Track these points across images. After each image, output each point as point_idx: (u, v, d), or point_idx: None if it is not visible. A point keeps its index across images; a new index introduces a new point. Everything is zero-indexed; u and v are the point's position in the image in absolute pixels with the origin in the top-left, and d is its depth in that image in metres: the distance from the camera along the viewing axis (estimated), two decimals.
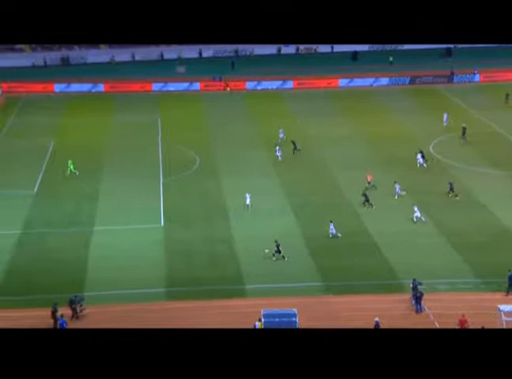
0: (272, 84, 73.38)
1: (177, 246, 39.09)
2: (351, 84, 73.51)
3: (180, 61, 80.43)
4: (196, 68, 77.70)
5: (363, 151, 54.24)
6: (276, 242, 37.51)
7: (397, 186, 44.98)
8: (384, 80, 74.09)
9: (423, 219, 41.21)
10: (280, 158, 51.95)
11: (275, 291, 34.53)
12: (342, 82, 73.59)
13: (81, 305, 32.74)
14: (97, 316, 32.34)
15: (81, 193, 46.67)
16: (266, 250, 37.62)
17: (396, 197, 44.65)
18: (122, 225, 41.76)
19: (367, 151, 54.12)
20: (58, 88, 72.28)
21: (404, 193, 44.82)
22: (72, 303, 32.52)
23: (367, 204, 43.32)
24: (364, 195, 43.64)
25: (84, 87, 72.44)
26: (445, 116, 59.64)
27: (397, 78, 74.35)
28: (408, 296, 33.49)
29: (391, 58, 79.99)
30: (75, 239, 40.19)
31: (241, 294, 34.49)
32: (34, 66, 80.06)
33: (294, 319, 30.26)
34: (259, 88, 73.09)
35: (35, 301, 33.61)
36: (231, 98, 69.27)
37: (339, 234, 39.43)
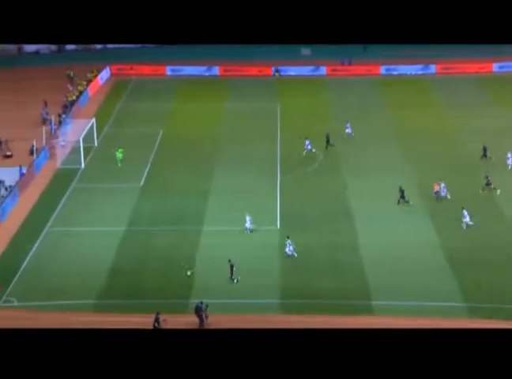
0: (410, 69, 72.23)
1: (296, 252, 39.43)
2: (508, 70, 70.99)
3: None
4: (322, 50, 77.67)
5: None
6: (229, 261, 37.01)
7: (442, 185, 44.59)
8: None
9: (468, 224, 40.71)
10: (305, 153, 51.56)
11: (406, 309, 34.17)
12: (497, 67, 71.31)
13: (206, 313, 33.11)
14: (216, 326, 32.56)
15: (191, 188, 48.13)
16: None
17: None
18: (234, 226, 42.56)
19: None
20: (169, 70, 74.96)
21: (449, 196, 44.31)
22: (199, 310, 33.01)
23: (401, 201, 43.69)
24: (401, 191, 43.87)
25: (198, 70, 74.64)
26: None
27: None
28: None
29: None
30: (183, 238, 41.56)
31: (366, 310, 34.37)
32: (145, 46, 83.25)
33: None
34: (395, 73, 72.16)
35: (139, 305, 35.09)
36: (357, 83, 68.85)
37: (295, 254, 38.50)
